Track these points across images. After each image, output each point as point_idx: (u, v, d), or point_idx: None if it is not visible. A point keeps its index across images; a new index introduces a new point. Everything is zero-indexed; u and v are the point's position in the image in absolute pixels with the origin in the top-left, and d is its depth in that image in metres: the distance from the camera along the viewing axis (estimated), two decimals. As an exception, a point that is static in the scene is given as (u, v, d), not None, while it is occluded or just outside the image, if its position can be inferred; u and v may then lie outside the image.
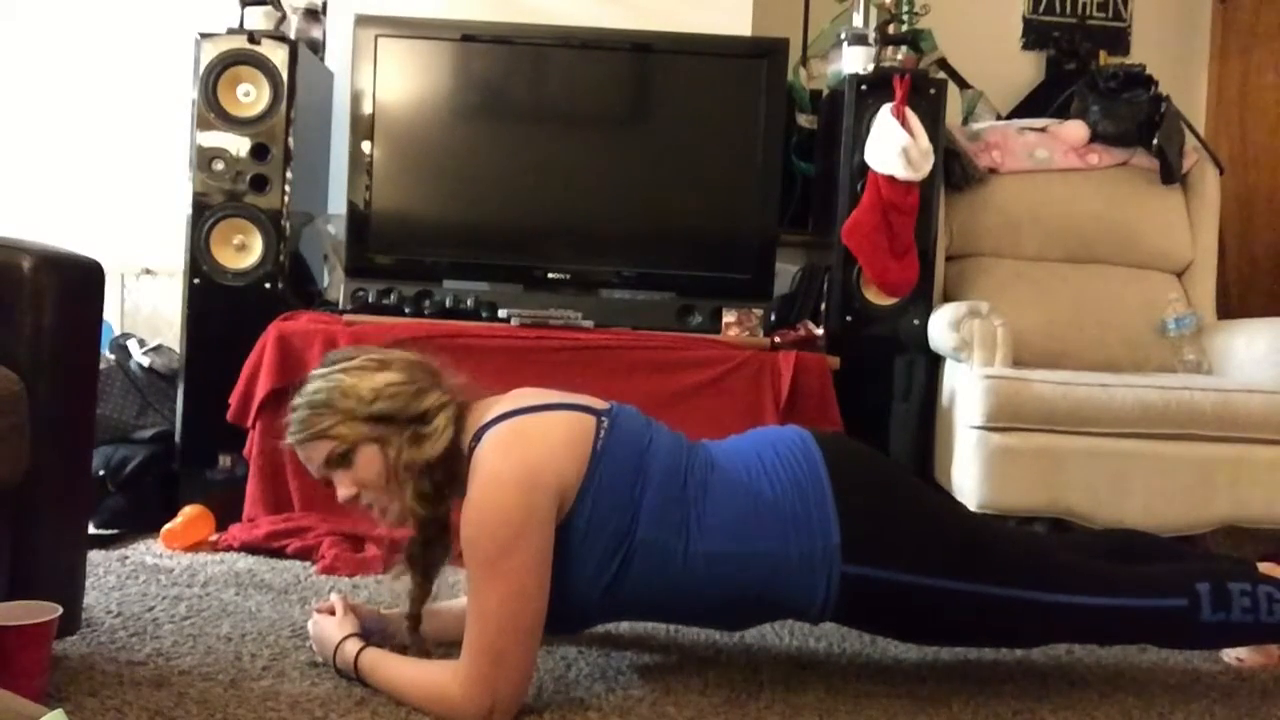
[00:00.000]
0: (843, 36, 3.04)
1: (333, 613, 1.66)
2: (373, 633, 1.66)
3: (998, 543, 1.66)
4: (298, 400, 1.60)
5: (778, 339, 2.73)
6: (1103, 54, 3.62)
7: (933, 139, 2.71)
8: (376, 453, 1.54)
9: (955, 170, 3.03)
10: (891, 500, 1.62)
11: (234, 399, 2.54)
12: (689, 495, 1.54)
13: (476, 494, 1.47)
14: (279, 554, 2.34)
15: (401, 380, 1.58)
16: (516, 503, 1.45)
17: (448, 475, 1.54)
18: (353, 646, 1.58)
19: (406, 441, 1.54)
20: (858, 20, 3.10)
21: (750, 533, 1.53)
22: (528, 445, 1.50)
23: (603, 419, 1.57)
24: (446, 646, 1.64)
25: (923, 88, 2.78)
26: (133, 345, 2.87)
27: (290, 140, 2.69)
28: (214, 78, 2.66)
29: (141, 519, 2.51)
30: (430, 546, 1.59)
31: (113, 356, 2.81)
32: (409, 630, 1.64)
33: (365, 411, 1.54)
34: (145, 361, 2.82)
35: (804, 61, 3.35)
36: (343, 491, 1.58)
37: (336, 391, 1.56)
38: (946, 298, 2.96)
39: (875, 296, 2.78)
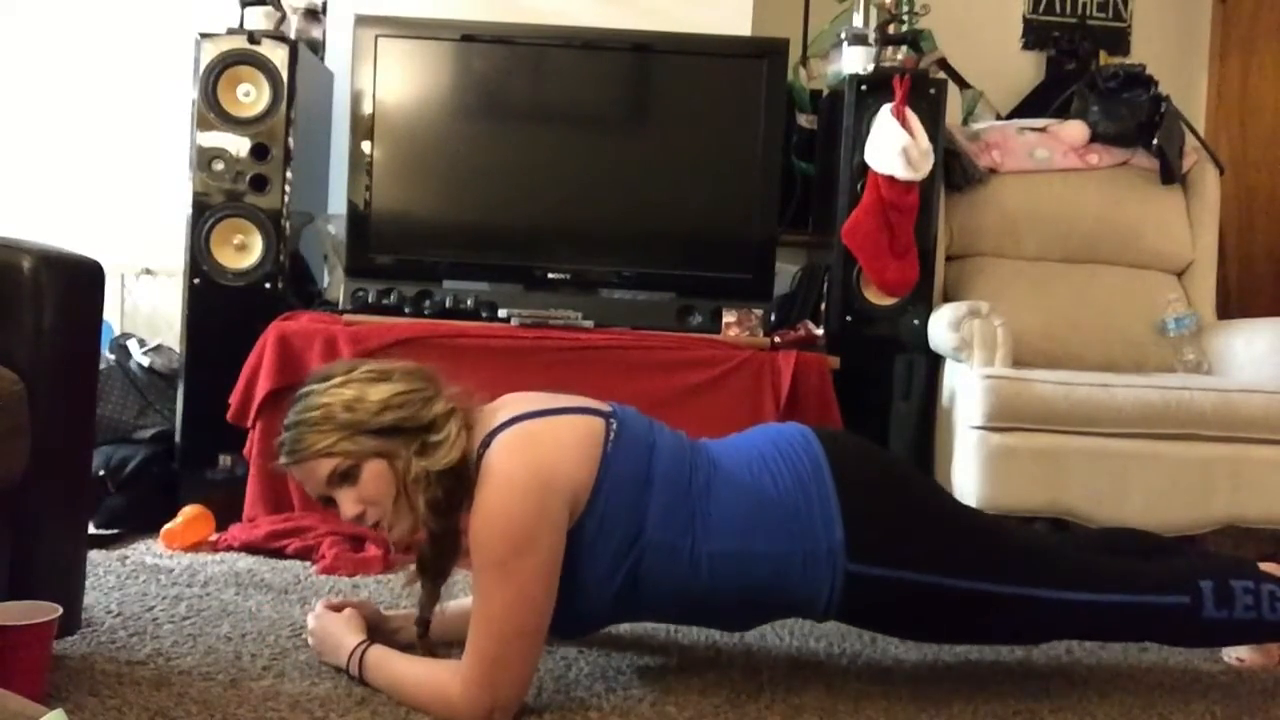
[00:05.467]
0: (843, 36, 3.04)
1: (337, 610, 1.66)
2: (376, 631, 1.66)
3: (1001, 540, 1.66)
4: (292, 419, 1.53)
5: (778, 339, 2.73)
6: (1103, 54, 3.62)
7: (933, 139, 2.71)
8: (384, 468, 1.49)
9: (955, 170, 3.03)
10: (895, 497, 1.61)
11: (234, 399, 2.54)
12: (694, 495, 1.54)
13: (488, 497, 1.45)
14: (279, 554, 2.34)
15: (407, 389, 1.53)
16: (529, 506, 1.43)
17: (457, 482, 1.50)
18: (355, 643, 1.58)
19: (415, 453, 1.49)
20: (858, 20, 3.10)
21: (755, 531, 1.53)
22: (540, 448, 1.49)
23: (610, 421, 1.56)
24: (448, 646, 1.64)
25: (923, 88, 2.78)
26: (133, 345, 2.87)
27: (290, 140, 2.69)
28: (214, 78, 2.66)
29: (141, 519, 2.50)
30: (442, 554, 1.55)
31: (113, 356, 2.81)
32: (419, 636, 1.63)
33: (373, 424, 1.49)
34: (145, 361, 2.82)
35: (804, 61, 3.35)
36: (347, 510, 1.51)
37: (339, 405, 1.50)
38: (946, 298, 2.96)
39: (875, 296, 2.78)
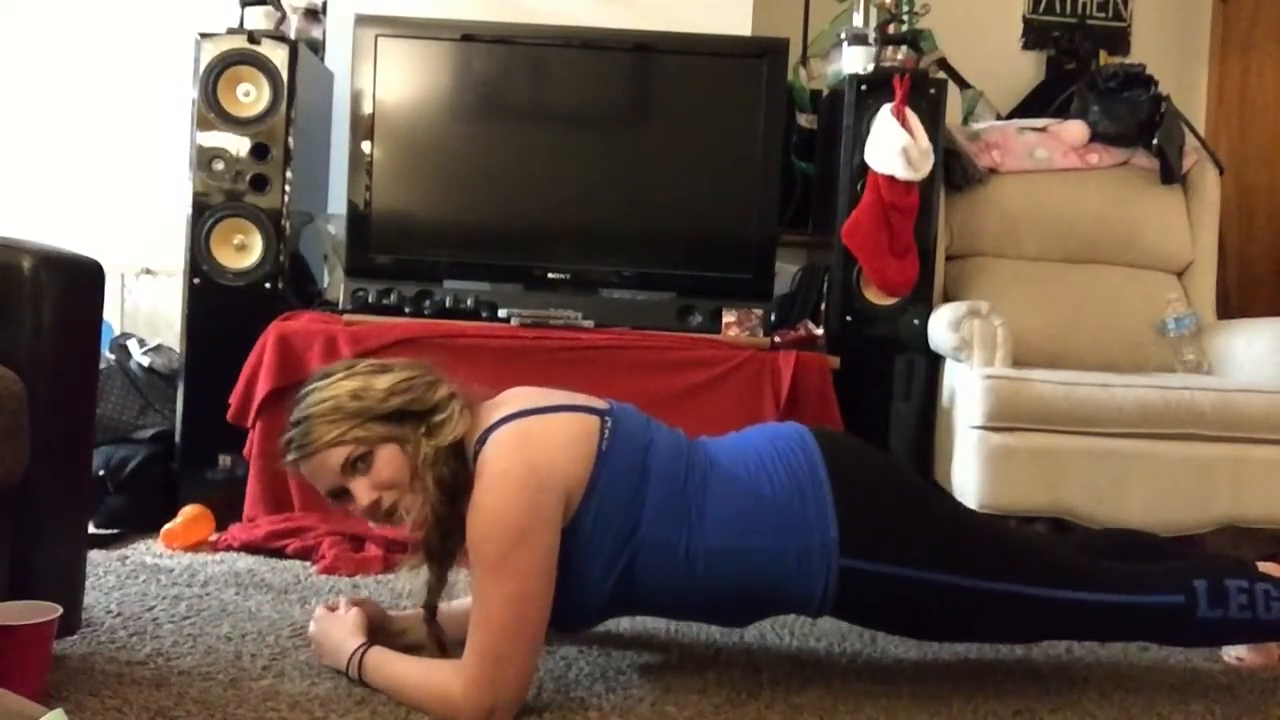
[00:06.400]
0: (843, 36, 3.04)
1: (335, 610, 1.66)
2: (380, 631, 1.66)
3: (995, 538, 1.66)
4: (299, 415, 1.55)
5: (778, 339, 2.73)
6: (1103, 54, 3.62)
7: (933, 139, 2.71)
8: (396, 452, 1.52)
9: (955, 170, 3.03)
10: (890, 495, 1.62)
11: (234, 399, 2.54)
12: (690, 492, 1.54)
13: (483, 495, 1.46)
14: (279, 554, 2.34)
15: (410, 375, 1.57)
16: (522, 503, 1.44)
17: (461, 463, 1.52)
18: (356, 644, 1.58)
19: (424, 434, 1.52)
20: (858, 20, 3.10)
21: (750, 528, 1.53)
22: (533, 446, 1.50)
23: (606, 419, 1.57)
24: (457, 644, 1.64)
25: (923, 88, 2.78)
26: (133, 345, 2.87)
27: (290, 140, 2.69)
28: (214, 78, 2.66)
29: (141, 519, 2.51)
30: (448, 537, 1.55)
31: (113, 356, 2.81)
32: (426, 621, 1.64)
33: (381, 410, 1.52)
34: (145, 361, 2.82)
35: (804, 61, 3.35)
36: (363, 498, 1.53)
37: (347, 395, 1.53)
38: (946, 298, 2.96)
39: (875, 296, 2.78)
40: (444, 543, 1.56)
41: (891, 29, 2.97)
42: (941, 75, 3.10)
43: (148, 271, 3.22)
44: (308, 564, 2.29)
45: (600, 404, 1.61)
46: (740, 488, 1.56)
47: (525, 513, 1.44)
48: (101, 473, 2.51)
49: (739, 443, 1.67)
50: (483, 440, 1.51)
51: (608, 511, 1.50)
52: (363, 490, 1.53)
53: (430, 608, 1.64)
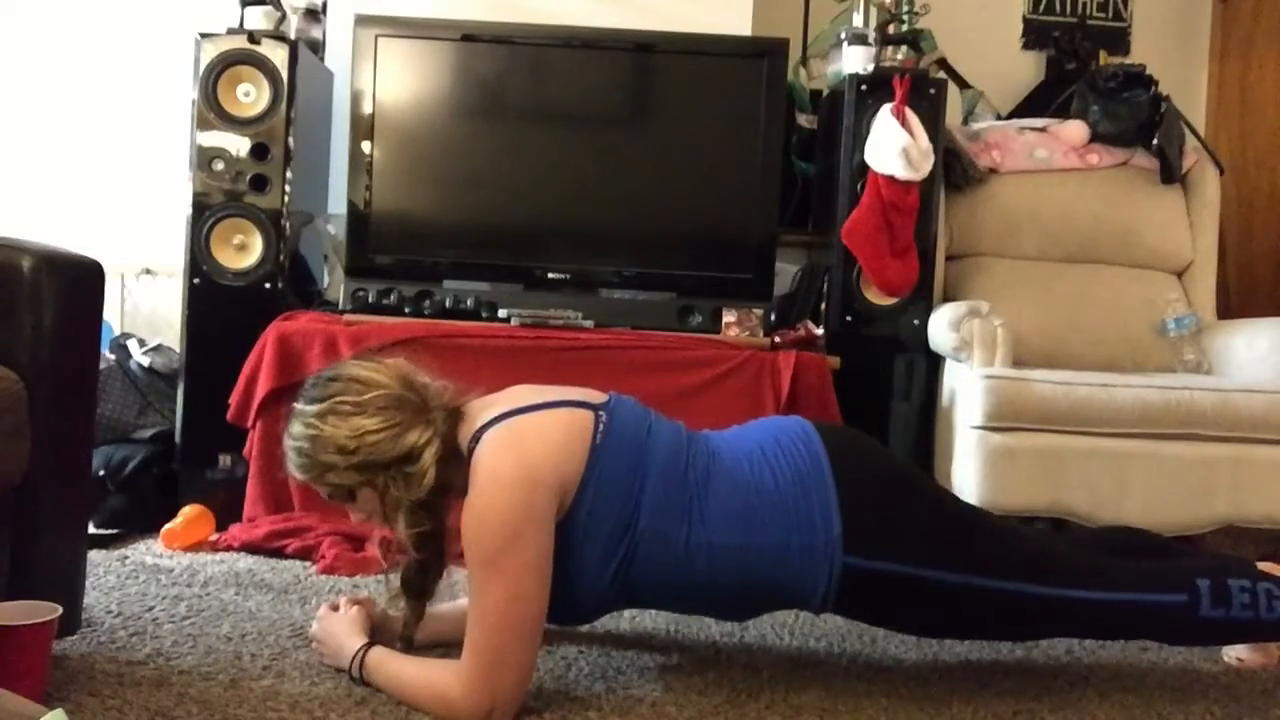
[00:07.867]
0: (843, 36, 3.04)
1: (344, 609, 1.67)
2: (382, 630, 1.67)
3: (999, 536, 1.66)
4: (287, 442, 1.60)
5: (778, 339, 2.73)
6: (1103, 54, 3.62)
7: (933, 139, 2.71)
8: (371, 492, 1.57)
9: (955, 170, 3.03)
10: (893, 492, 1.62)
11: (234, 399, 2.54)
12: (690, 485, 1.54)
13: (476, 495, 1.47)
14: (279, 554, 2.34)
15: (378, 426, 1.53)
16: (516, 503, 1.45)
17: (445, 487, 1.55)
18: (358, 644, 1.59)
19: (394, 481, 1.54)
20: (858, 20, 3.10)
21: (752, 523, 1.53)
22: (526, 445, 1.50)
23: (600, 413, 1.57)
24: (446, 648, 1.65)
25: (923, 88, 2.78)
26: (133, 345, 2.87)
27: (290, 140, 2.69)
28: (214, 78, 2.66)
29: (141, 519, 2.51)
30: (426, 572, 1.62)
31: (113, 356, 2.81)
32: (403, 651, 1.65)
33: (347, 462, 1.54)
34: (145, 361, 2.82)
35: (804, 61, 3.35)
36: (354, 518, 1.65)
37: (318, 444, 1.55)
38: (946, 298, 2.96)
39: (875, 296, 2.78)
40: (422, 577, 1.62)
41: (891, 29, 2.97)
42: (941, 75, 3.11)
43: (148, 271, 3.22)
44: (308, 564, 2.29)
45: (596, 398, 1.61)
46: (743, 482, 1.56)
47: (518, 512, 1.45)
48: (101, 473, 2.51)
49: (742, 436, 1.67)
50: (477, 438, 1.53)
51: (603, 505, 1.51)
52: (352, 512, 1.63)
53: (406, 640, 1.67)
